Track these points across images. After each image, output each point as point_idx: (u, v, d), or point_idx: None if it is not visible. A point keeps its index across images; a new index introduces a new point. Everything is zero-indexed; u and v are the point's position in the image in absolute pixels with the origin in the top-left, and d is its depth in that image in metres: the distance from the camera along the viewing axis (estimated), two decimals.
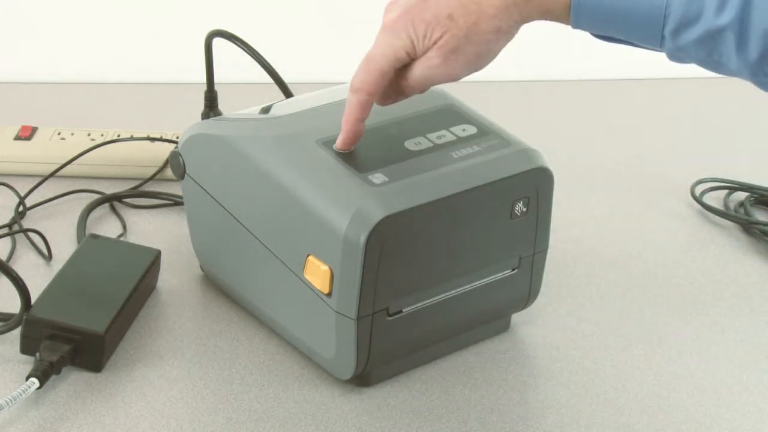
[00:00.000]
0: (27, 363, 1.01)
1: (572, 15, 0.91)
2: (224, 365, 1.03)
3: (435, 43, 0.93)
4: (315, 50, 1.57)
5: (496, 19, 0.92)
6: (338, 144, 0.99)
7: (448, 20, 0.92)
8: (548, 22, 0.93)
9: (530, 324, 1.10)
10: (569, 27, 0.92)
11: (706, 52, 0.88)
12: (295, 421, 0.98)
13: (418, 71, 0.95)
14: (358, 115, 0.97)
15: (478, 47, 0.93)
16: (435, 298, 1.00)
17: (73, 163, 1.28)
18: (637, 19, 0.89)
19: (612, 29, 0.91)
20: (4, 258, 1.15)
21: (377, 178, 0.97)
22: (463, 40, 0.92)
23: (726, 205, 1.31)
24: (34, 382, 0.97)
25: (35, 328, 1.00)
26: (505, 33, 0.93)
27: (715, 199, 1.32)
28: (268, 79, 1.23)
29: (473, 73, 0.96)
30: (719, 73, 0.91)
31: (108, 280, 1.06)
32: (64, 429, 0.95)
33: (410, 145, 1.01)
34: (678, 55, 0.90)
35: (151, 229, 1.21)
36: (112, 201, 1.25)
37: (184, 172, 1.09)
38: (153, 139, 1.31)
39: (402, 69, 0.96)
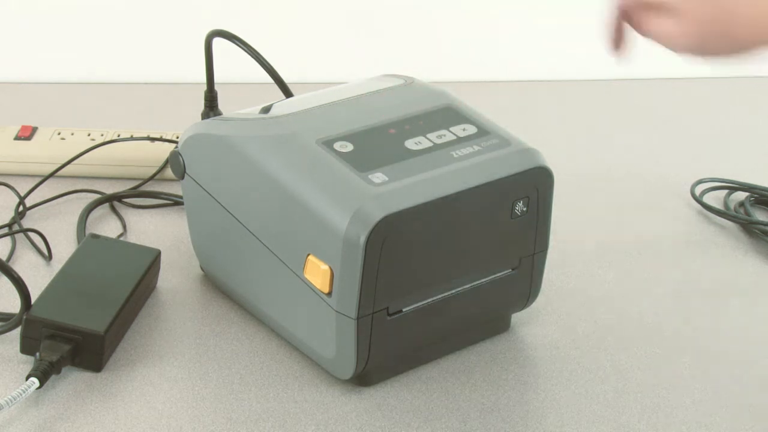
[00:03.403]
0: (27, 363, 1.01)
1: None
2: (224, 365, 1.03)
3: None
4: (315, 50, 1.57)
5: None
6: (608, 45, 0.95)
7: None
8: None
9: (530, 324, 1.10)
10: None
11: None
12: (295, 421, 0.98)
13: (663, 28, 0.90)
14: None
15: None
16: (435, 298, 1.00)
17: (73, 163, 1.28)
18: None
19: None
20: (4, 258, 1.15)
21: (377, 177, 0.97)
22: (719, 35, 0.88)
23: (726, 205, 1.31)
24: (34, 381, 0.97)
25: (35, 328, 1.00)
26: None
27: (715, 199, 1.32)
28: (268, 79, 1.23)
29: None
30: None
31: (108, 280, 1.06)
32: (64, 429, 0.95)
33: (410, 144, 1.01)
34: None
35: (151, 229, 1.21)
36: (112, 201, 1.25)
37: (184, 172, 1.09)
38: (153, 139, 1.31)
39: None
